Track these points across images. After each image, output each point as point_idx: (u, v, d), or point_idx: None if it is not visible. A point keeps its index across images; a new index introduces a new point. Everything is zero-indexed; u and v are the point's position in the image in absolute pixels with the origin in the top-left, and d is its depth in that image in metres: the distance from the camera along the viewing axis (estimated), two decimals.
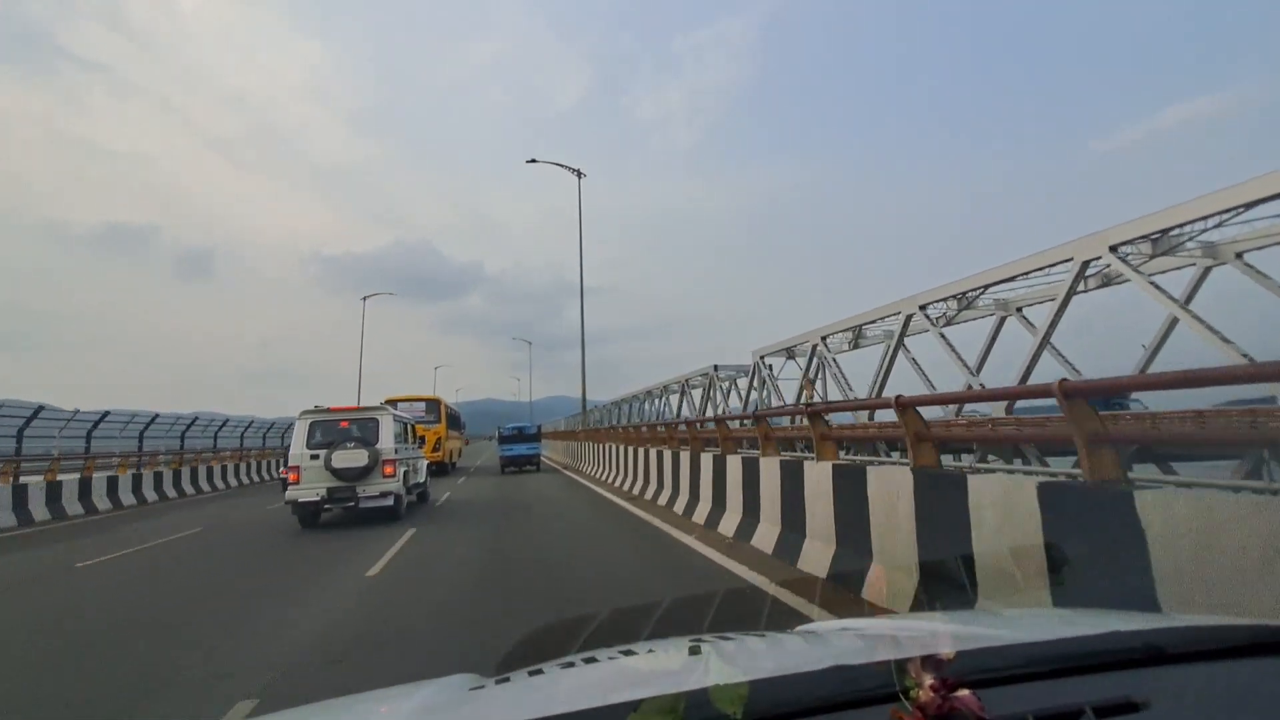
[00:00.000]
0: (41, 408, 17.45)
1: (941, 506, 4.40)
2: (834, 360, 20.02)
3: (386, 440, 11.26)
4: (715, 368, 25.13)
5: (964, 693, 0.83)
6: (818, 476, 6.13)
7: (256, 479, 26.49)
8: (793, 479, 6.66)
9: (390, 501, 11.07)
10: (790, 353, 23.97)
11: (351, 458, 10.84)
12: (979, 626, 1.58)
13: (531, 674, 1.27)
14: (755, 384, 24.86)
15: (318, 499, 10.77)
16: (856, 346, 20.84)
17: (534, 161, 26.17)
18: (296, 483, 10.80)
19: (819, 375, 21.98)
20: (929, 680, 0.85)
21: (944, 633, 1.49)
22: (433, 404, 26.58)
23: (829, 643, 1.48)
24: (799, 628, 1.68)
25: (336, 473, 10.77)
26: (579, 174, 25.94)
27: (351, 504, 10.90)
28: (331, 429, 11.29)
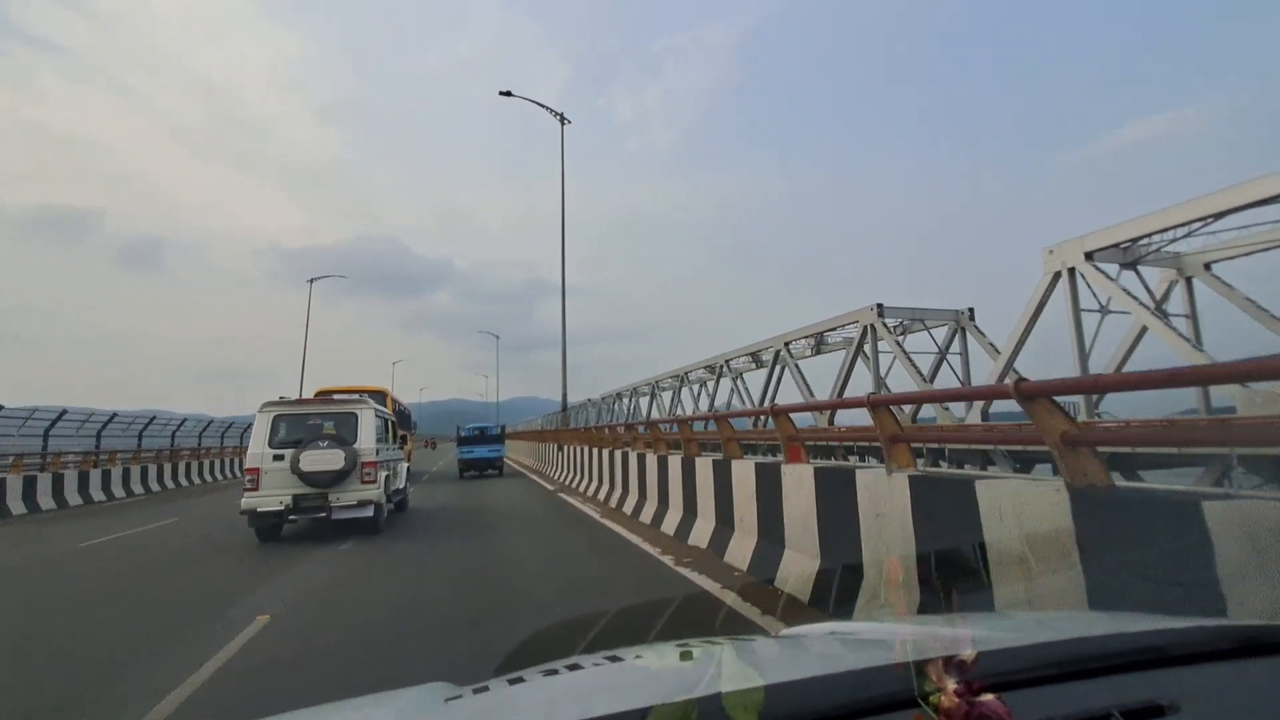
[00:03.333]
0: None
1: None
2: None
3: (367, 439, 9.52)
4: (879, 308, 18.22)
5: (989, 697, 0.80)
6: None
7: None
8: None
9: (370, 512, 9.34)
10: (1130, 252, 12.13)
11: (324, 459, 9.11)
12: (981, 629, 1.50)
13: (512, 682, 1.17)
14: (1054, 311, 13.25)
15: (281, 509, 8.95)
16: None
17: (508, 94, 23.91)
18: (255, 489, 8.97)
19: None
20: (952, 685, 0.82)
21: (957, 635, 1.39)
22: (377, 396, 20.49)
23: (830, 646, 1.44)
24: (784, 631, 1.63)
25: (305, 477, 9.01)
26: (562, 119, 24.04)
27: (323, 514, 9.15)
28: (299, 425, 9.44)
